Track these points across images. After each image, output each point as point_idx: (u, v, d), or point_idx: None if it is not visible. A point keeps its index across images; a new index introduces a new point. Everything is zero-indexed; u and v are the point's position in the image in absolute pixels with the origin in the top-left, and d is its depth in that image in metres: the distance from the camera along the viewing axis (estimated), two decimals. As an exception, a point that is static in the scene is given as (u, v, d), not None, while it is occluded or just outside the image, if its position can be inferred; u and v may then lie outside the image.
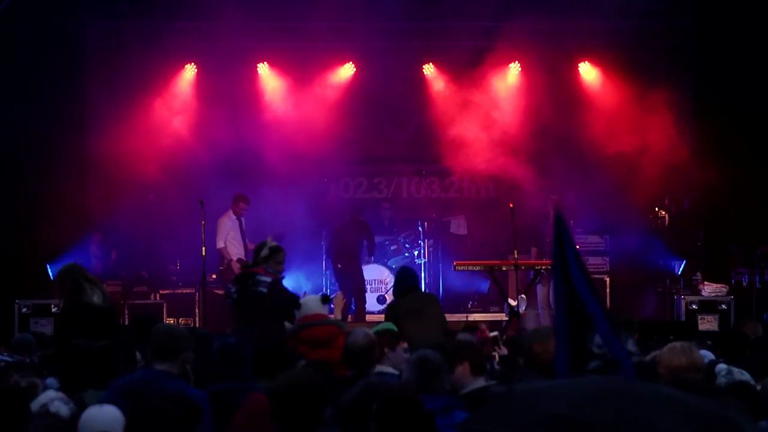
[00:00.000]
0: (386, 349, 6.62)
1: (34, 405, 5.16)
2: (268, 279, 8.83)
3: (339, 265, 14.52)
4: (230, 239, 14.27)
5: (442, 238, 15.71)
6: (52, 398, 5.18)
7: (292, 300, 8.70)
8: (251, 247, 14.18)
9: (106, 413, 4.65)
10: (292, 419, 4.34)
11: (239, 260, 14.21)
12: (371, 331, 6.63)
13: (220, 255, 14.26)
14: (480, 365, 5.78)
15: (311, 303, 8.09)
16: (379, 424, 4.08)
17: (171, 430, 4.37)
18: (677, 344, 6.14)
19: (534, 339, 6.22)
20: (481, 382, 5.71)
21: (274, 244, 9.16)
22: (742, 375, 6.23)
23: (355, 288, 14.41)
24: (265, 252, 9.04)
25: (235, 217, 14.32)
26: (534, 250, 14.27)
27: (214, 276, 14.52)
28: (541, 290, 14.30)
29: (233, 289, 8.97)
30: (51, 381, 6.12)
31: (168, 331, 5.98)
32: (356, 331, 6.52)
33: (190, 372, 6.30)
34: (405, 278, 9.72)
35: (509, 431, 2.27)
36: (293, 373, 4.67)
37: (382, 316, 13.72)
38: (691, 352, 5.99)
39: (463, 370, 5.67)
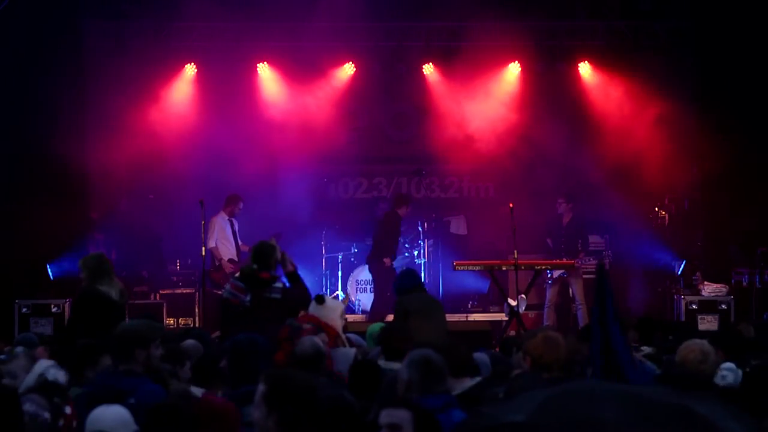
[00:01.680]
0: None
1: (31, 378, 5.19)
2: (281, 285, 8.84)
3: (368, 264, 14.54)
4: (221, 239, 14.30)
5: (442, 238, 15.71)
6: (47, 366, 5.23)
7: (303, 298, 8.72)
8: (244, 248, 14.18)
9: (113, 413, 4.65)
10: (285, 420, 4.33)
11: (230, 260, 14.22)
12: (320, 340, 6.64)
13: (211, 255, 14.29)
14: (460, 368, 5.82)
15: (311, 306, 8.12)
16: None
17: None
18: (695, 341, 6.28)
19: (530, 338, 6.25)
20: (468, 382, 5.74)
21: (276, 245, 9.17)
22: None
23: (374, 286, 14.45)
24: (278, 255, 9.05)
25: (226, 218, 14.36)
26: (549, 240, 14.42)
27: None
28: (549, 290, 14.34)
29: (247, 298, 8.87)
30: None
31: (122, 331, 5.98)
32: (303, 340, 6.50)
33: (187, 371, 6.31)
34: (410, 278, 9.78)
35: None
36: (284, 373, 4.66)
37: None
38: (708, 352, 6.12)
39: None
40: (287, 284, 8.91)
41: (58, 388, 5.10)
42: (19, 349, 6.04)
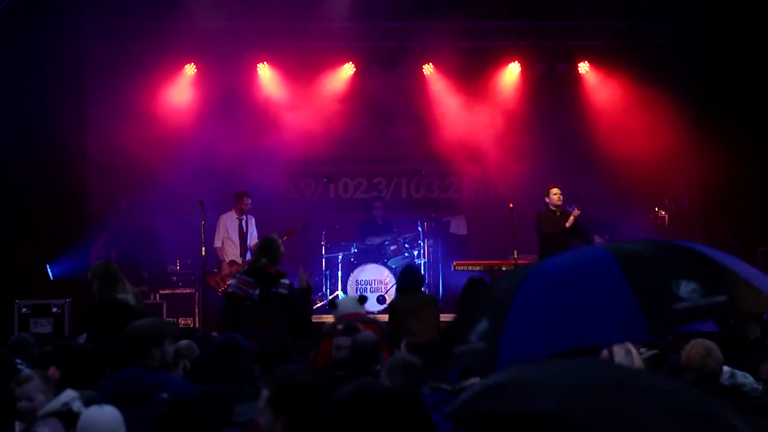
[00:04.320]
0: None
1: (55, 404, 5.17)
2: (287, 281, 8.87)
3: None
4: (227, 239, 14.16)
5: (442, 238, 15.71)
6: (73, 397, 5.21)
7: (305, 309, 8.86)
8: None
9: (106, 414, 4.66)
10: (293, 419, 4.33)
11: (231, 262, 14.11)
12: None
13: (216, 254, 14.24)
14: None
15: (349, 303, 8.22)
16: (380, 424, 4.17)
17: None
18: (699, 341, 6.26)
19: None
20: (473, 381, 5.76)
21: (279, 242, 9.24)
22: (745, 378, 6.25)
23: None
24: (282, 250, 9.11)
25: (235, 217, 14.15)
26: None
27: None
28: None
29: (256, 292, 8.88)
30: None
31: (135, 330, 5.89)
32: (365, 332, 6.64)
33: (180, 371, 6.30)
34: (411, 277, 9.86)
35: (495, 427, 2.25)
36: (293, 373, 4.66)
37: (382, 316, 13.75)
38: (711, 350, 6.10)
39: None
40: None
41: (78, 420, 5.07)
42: (28, 370, 5.98)
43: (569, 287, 3.52)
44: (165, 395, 5.15)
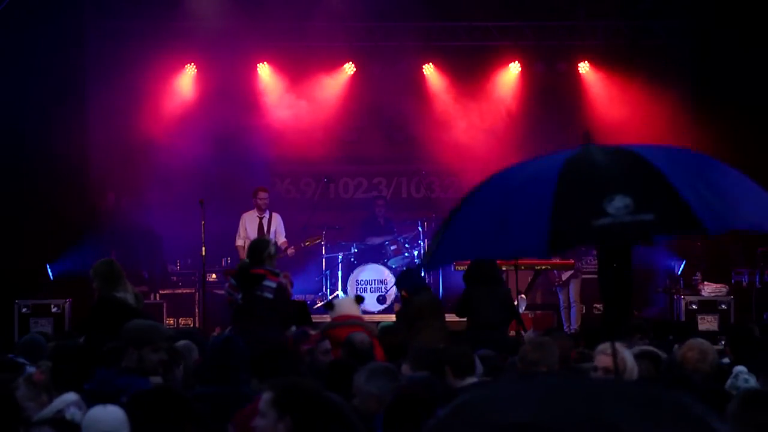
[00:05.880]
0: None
1: (48, 411, 5.12)
2: (274, 284, 8.80)
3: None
4: (247, 238, 13.85)
5: (442, 238, 15.69)
6: (67, 403, 5.14)
7: (298, 306, 8.80)
8: (284, 245, 13.65)
9: (109, 413, 4.64)
10: (298, 423, 4.33)
11: None
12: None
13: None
14: (461, 368, 5.86)
15: (345, 303, 8.19)
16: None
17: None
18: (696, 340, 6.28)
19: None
20: (469, 381, 5.77)
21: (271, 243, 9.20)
22: (746, 383, 6.25)
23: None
24: (272, 250, 9.06)
25: (255, 215, 13.95)
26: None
27: (214, 276, 14.48)
28: (561, 292, 14.32)
29: (239, 296, 8.86)
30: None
31: (122, 330, 5.93)
32: (356, 333, 6.64)
33: (181, 371, 6.28)
34: (419, 277, 9.86)
35: None
36: (290, 378, 4.66)
37: (382, 316, 13.75)
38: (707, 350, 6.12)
39: (448, 371, 5.84)
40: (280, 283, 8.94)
41: (72, 427, 5.02)
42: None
43: (509, 199, 3.69)
44: (124, 399, 5.09)
